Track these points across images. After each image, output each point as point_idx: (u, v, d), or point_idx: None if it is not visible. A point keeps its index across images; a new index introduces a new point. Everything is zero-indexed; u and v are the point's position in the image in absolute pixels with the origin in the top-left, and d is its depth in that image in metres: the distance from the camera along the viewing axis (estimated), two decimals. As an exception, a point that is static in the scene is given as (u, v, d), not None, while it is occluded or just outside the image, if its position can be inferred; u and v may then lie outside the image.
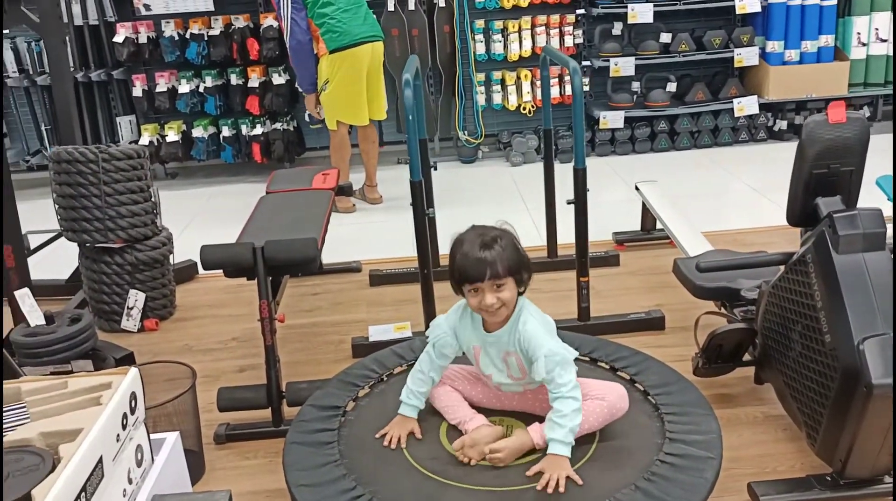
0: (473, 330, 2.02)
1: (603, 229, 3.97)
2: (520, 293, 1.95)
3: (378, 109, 4.90)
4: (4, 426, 1.46)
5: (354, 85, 4.65)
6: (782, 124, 5.84)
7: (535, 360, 1.89)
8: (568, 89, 5.71)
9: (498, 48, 5.69)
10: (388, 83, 5.72)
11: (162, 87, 5.52)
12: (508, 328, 1.95)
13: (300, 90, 4.95)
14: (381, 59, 4.80)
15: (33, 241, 3.59)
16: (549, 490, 1.77)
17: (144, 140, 5.54)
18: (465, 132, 5.88)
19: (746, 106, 5.74)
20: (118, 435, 1.51)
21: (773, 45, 5.71)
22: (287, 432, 2.15)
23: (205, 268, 2.56)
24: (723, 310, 2.69)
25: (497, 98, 5.83)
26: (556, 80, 5.68)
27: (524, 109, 5.85)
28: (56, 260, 3.95)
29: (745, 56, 5.68)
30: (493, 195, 5.08)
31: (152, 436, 1.72)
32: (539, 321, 1.95)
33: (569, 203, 2.98)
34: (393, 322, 3.13)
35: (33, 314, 2.73)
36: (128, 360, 2.89)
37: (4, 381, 1.58)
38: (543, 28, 5.64)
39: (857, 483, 1.97)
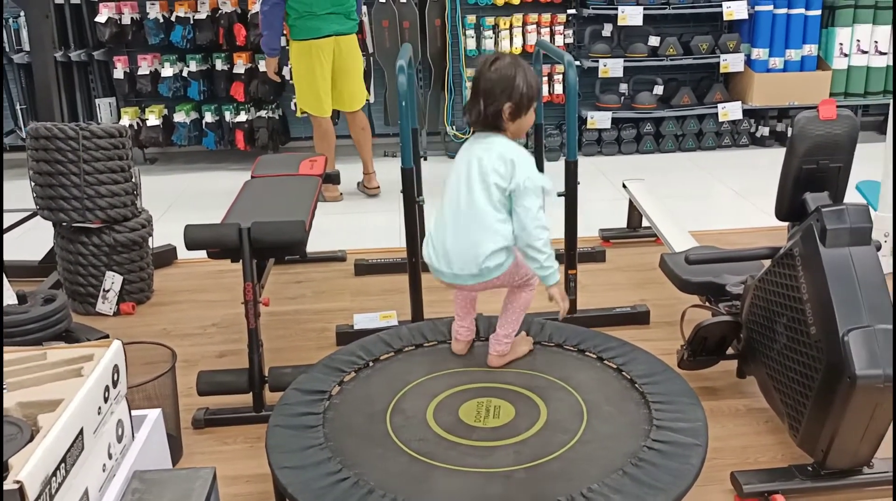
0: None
1: (589, 227, 3.98)
2: None
3: (350, 100, 4.76)
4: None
5: (314, 77, 4.57)
6: (764, 131, 5.89)
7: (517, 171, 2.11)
8: (556, 88, 5.71)
9: (489, 44, 5.67)
10: (378, 74, 5.70)
11: (144, 69, 5.45)
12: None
13: (264, 51, 4.79)
14: (353, 51, 4.65)
15: (5, 221, 3.50)
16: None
17: (124, 123, 5.44)
18: (454, 127, 5.87)
19: (730, 111, 5.78)
20: (100, 408, 1.47)
21: (759, 53, 5.76)
22: (270, 416, 2.12)
23: (188, 248, 2.51)
24: (707, 304, 2.70)
25: (485, 94, 5.80)
26: (546, 79, 5.68)
27: (511, 106, 5.83)
28: (29, 242, 3.87)
29: (731, 62, 5.72)
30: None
31: (133, 413, 1.68)
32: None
33: (559, 195, 2.97)
34: (378, 311, 3.11)
35: (4, 293, 2.67)
36: (105, 342, 2.83)
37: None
38: (534, 26, 5.63)
39: (837, 474, 1.99)
